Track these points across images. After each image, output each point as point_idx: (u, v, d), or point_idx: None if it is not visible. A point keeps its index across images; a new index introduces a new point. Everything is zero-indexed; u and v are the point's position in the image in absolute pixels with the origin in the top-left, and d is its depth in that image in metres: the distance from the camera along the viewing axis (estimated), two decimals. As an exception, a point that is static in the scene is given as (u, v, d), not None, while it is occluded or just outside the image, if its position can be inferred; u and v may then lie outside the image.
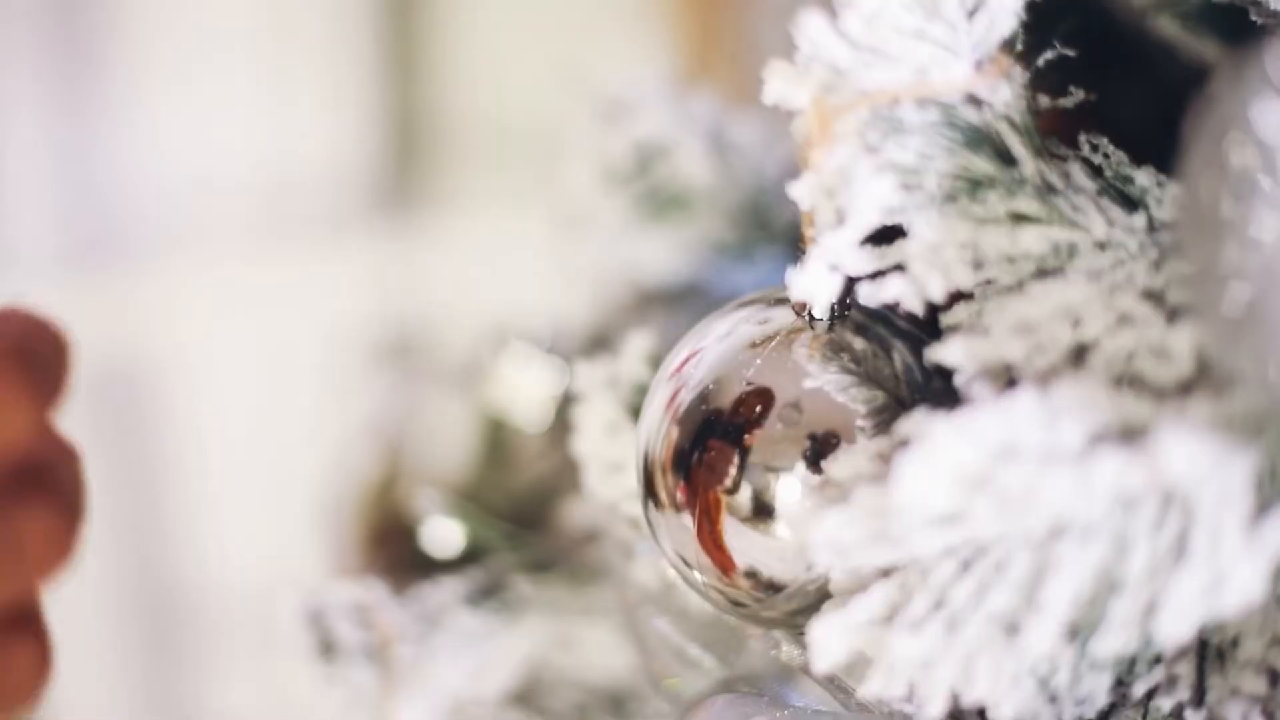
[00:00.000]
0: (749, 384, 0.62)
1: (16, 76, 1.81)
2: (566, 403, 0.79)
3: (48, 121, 1.83)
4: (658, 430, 0.65)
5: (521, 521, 0.90)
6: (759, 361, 0.63)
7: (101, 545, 1.92)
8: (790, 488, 0.61)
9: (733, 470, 0.62)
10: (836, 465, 0.59)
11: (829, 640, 0.57)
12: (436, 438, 0.99)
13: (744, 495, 0.62)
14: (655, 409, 0.65)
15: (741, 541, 0.62)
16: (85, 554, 1.86)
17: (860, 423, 0.61)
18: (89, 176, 1.85)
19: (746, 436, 0.62)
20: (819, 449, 0.61)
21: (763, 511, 0.61)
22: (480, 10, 1.95)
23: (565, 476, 0.87)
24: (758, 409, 0.62)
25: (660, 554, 0.67)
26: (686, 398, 0.64)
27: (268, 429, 1.98)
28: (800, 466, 0.61)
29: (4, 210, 1.83)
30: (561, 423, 0.85)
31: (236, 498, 1.97)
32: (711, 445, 0.62)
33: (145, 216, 1.88)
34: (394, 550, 0.95)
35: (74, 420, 1.90)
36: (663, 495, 0.64)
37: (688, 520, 0.63)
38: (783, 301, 0.64)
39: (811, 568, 0.61)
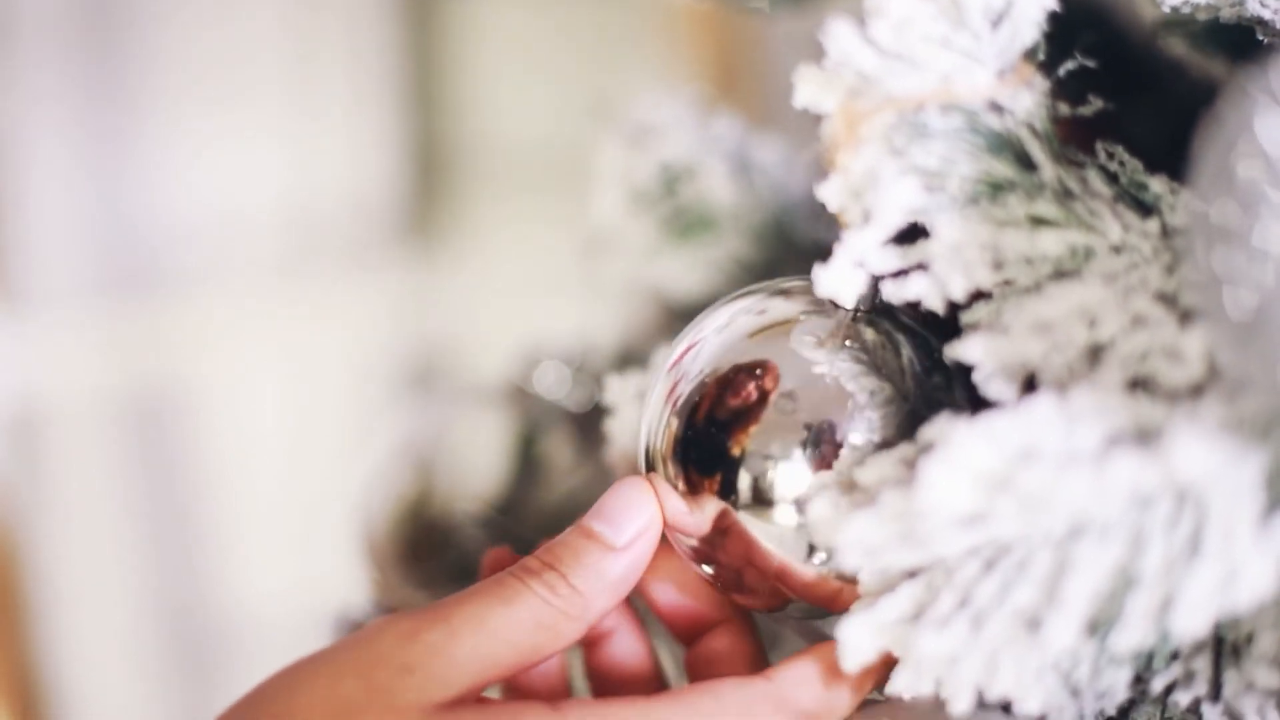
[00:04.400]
0: (745, 374, 0.63)
1: (50, 114, 1.82)
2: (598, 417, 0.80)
3: (80, 157, 1.84)
4: (658, 422, 0.65)
5: (554, 532, 0.91)
6: (756, 352, 0.63)
7: (133, 570, 1.93)
8: (787, 475, 0.62)
9: (731, 459, 0.63)
10: (863, 470, 0.60)
11: (858, 639, 0.59)
12: (469, 457, 1.00)
13: (742, 483, 0.63)
14: (655, 401, 0.66)
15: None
16: (118, 579, 1.87)
17: (869, 415, 0.62)
18: (119, 210, 1.87)
19: (744, 425, 0.62)
20: (816, 437, 0.61)
21: (761, 499, 0.62)
22: (498, 41, 1.96)
23: (597, 487, 0.88)
24: (755, 398, 0.63)
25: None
26: (685, 389, 0.64)
27: (296, 455, 1.99)
28: (798, 454, 0.62)
29: (37, 243, 1.85)
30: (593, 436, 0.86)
31: (265, 522, 1.98)
32: (710, 435, 0.63)
33: (175, 249, 1.89)
34: (429, 566, 0.96)
35: (106, 448, 1.91)
36: None
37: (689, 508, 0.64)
38: (780, 293, 0.66)
39: (812, 553, 0.62)
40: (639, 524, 0.64)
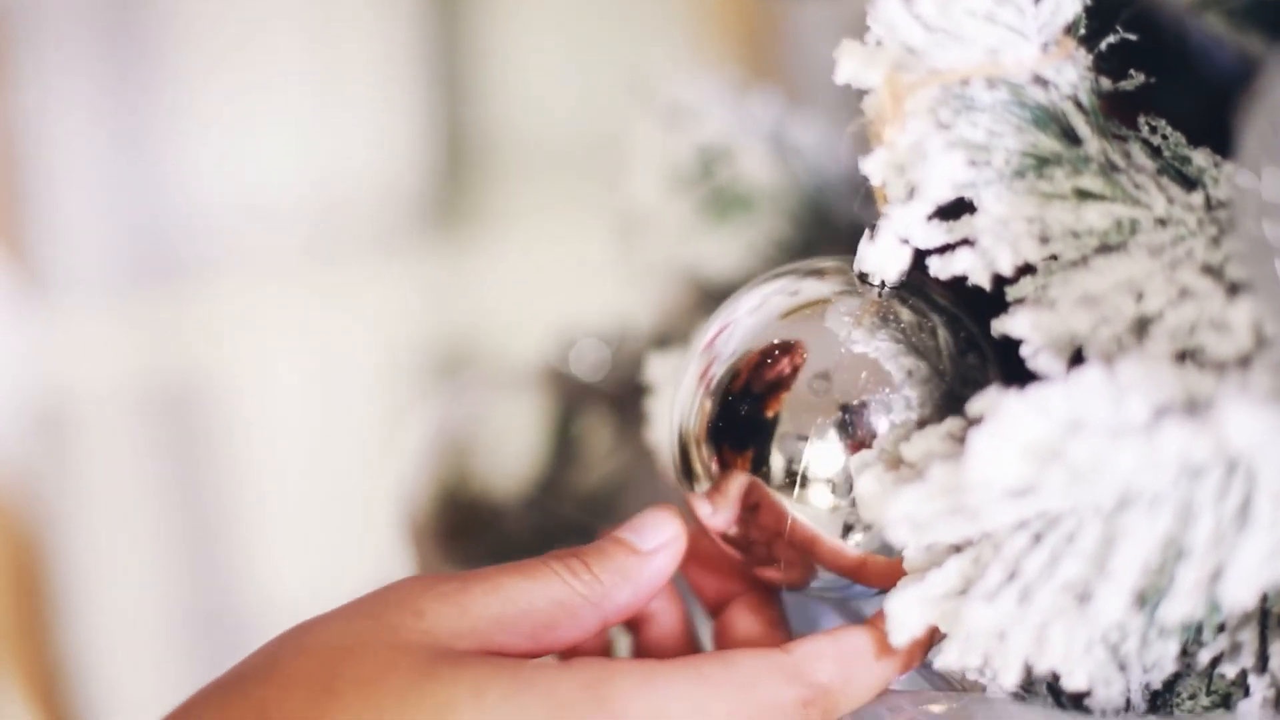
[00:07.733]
0: (779, 355, 0.63)
1: (75, 103, 1.83)
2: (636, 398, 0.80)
3: (106, 146, 1.85)
4: (691, 404, 0.65)
5: (594, 512, 0.92)
6: (789, 333, 0.63)
7: (160, 560, 1.93)
8: (822, 455, 0.62)
9: (763, 435, 0.63)
10: (909, 445, 0.61)
11: (906, 614, 0.59)
12: (508, 438, 1.01)
13: (776, 464, 0.63)
14: (688, 383, 0.66)
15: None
16: (144, 568, 1.87)
17: (905, 393, 0.62)
18: (145, 200, 1.87)
19: (777, 406, 0.62)
20: (851, 417, 0.61)
21: (796, 479, 0.62)
22: (528, 23, 1.96)
23: (636, 468, 0.88)
24: (786, 373, 0.62)
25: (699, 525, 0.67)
26: (718, 370, 0.64)
27: (324, 443, 1.99)
28: (833, 434, 0.61)
29: (63, 232, 1.85)
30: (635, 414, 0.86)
31: (293, 511, 1.98)
32: (742, 413, 0.63)
33: (201, 237, 1.90)
34: (470, 547, 0.96)
35: (133, 437, 1.92)
36: (698, 468, 0.65)
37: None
38: (813, 274, 0.65)
39: (847, 532, 0.63)
40: (664, 535, 0.66)
